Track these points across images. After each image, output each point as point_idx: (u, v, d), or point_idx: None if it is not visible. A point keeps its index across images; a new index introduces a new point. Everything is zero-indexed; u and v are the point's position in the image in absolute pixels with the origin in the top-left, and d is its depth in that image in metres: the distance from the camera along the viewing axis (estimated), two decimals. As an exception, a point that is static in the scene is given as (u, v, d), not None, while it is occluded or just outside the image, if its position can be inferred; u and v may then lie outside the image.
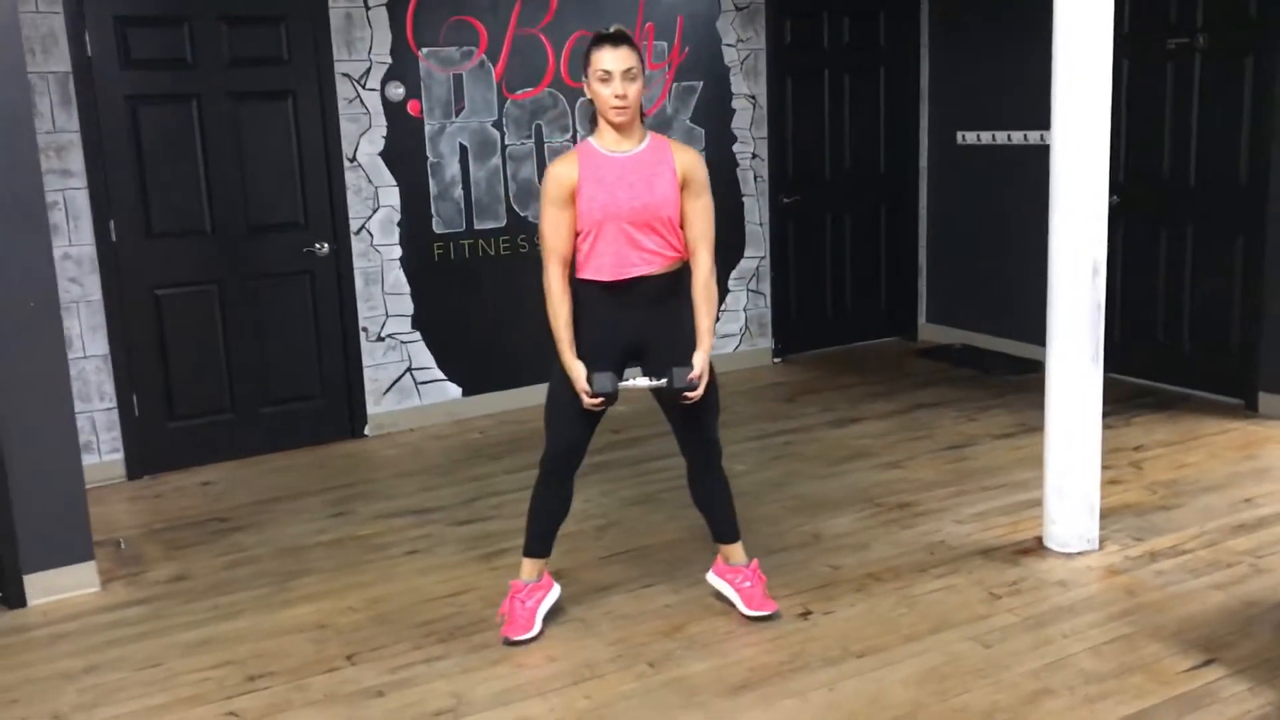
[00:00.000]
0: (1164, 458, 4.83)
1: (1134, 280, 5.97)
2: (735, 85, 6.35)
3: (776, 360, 6.75)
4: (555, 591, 3.53)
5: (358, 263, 5.51)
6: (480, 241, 5.79)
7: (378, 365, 5.64)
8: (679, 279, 3.30)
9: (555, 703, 3.06)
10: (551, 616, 3.51)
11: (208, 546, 4.32)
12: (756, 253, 6.58)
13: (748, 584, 3.52)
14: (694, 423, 3.40)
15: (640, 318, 3.27)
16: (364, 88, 5.40)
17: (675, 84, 6.17)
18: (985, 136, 6.61)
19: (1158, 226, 5.83)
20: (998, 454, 4.99)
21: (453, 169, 5.66)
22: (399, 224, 5.58)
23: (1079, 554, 3.87)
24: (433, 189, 5.64)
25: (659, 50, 6.09)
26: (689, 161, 3.26)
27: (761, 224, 6.57)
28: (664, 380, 3.23)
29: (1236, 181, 5.42)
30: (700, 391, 3.25)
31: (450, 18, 5.53)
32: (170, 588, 3.95)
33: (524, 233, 5.88)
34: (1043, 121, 6.21)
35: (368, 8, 5.34)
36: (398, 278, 5.62)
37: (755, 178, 6.50)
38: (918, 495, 4.51)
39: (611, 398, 3.23)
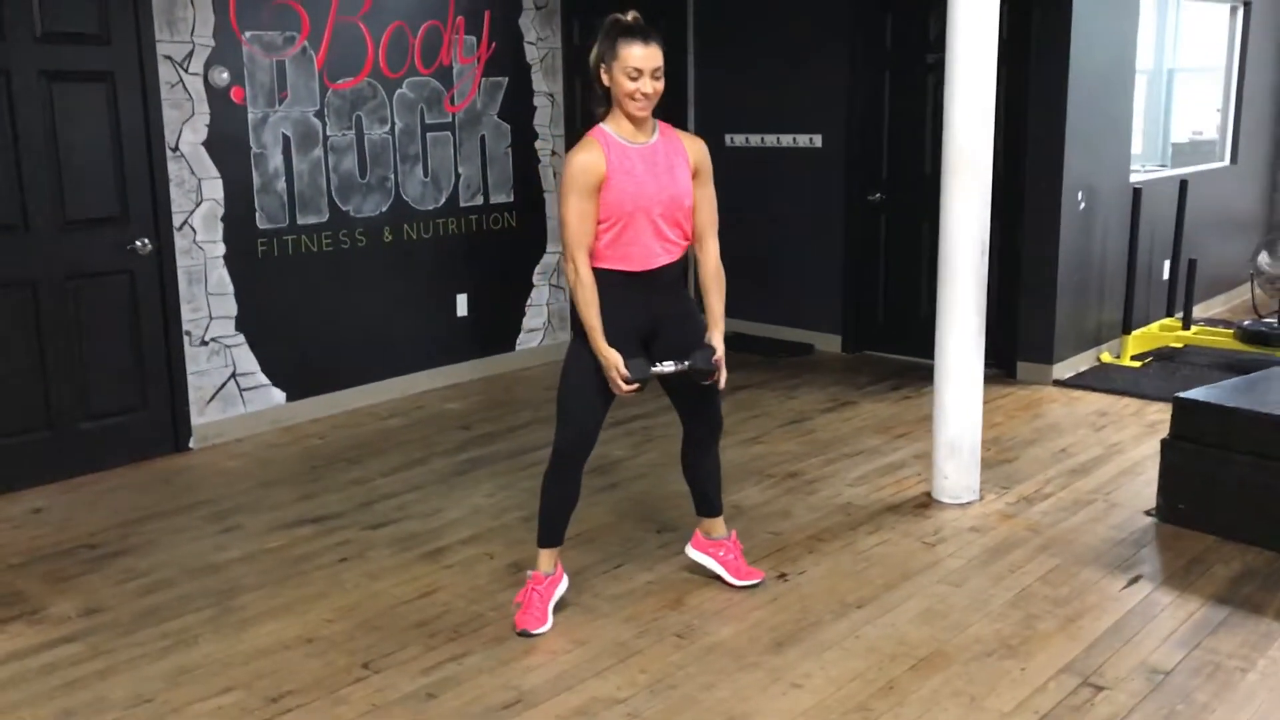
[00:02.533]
0: (991, 417, 5.51)
1: (900, 269, 6.72)
2: (536, 82, 6.45)
3: (574, 353, 6.91)
4: (565, 582, 3.54)
5: (181, 261, 5.08)
6: (303, 237, 5.52)
7: (201, 372, 5.22)
8: (685, 264, 3.44)
9: (617, 680, 3.11)
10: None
11: (98, 575, 3.88)
12: (557, 248, 6.71)
13: (730, 556, 3.71)
14: (707, 400, 3.53)
15: (656, 303, 3.36)
16: (186, 71, 4.99)
17: (484, 79, 6.17)
18: (754, 139, 7.13)
19: (919, 220, 6.59)
20: (835, 426, 5.48)
21: (276, 160, 5.36)
22: (222, 219, 5.21)
23: (969, 504, 4.40)
24: (256, 181, 5.30)
25: (469, 45, 6.07)
26: (699, 151, 3.40)
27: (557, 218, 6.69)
28: (688, 363, 3.35)
29: (995, 177, 6.25)
30: (723, 372, 3.40)
31: (273, 0, 5.23)
32: (90, 622, 3.53)
33: (346, 228, 5.67)
34: (802, 125, 6.90)
35: (188, -15, 4.95)
36: (221, 277, 5.24)
37: (555, 174, 6.62)
38: (797, 466, 4.88)
39: (645, 383, 3.31)
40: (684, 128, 7.30)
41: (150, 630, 3.46)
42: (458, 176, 6.14)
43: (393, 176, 5.84)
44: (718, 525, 3.73)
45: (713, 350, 3.38)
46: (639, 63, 3.18)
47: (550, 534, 3.49)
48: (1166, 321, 6.88)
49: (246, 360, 5.38)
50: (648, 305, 3.35)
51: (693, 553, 3.77)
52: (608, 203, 3.23)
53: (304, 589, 3.74)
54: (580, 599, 3.61)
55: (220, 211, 5.19)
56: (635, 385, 3.29)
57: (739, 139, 7.18)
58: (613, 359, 3.26)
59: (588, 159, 3.22)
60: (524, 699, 3.03)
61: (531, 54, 6.40)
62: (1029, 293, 6.17)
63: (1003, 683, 3.07)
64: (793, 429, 5.42)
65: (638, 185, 3.24)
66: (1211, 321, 7.53)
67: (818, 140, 6.85)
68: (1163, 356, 6.65)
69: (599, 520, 4.26)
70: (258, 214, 5.33)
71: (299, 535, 4.21)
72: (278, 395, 5.53)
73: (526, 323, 6.63)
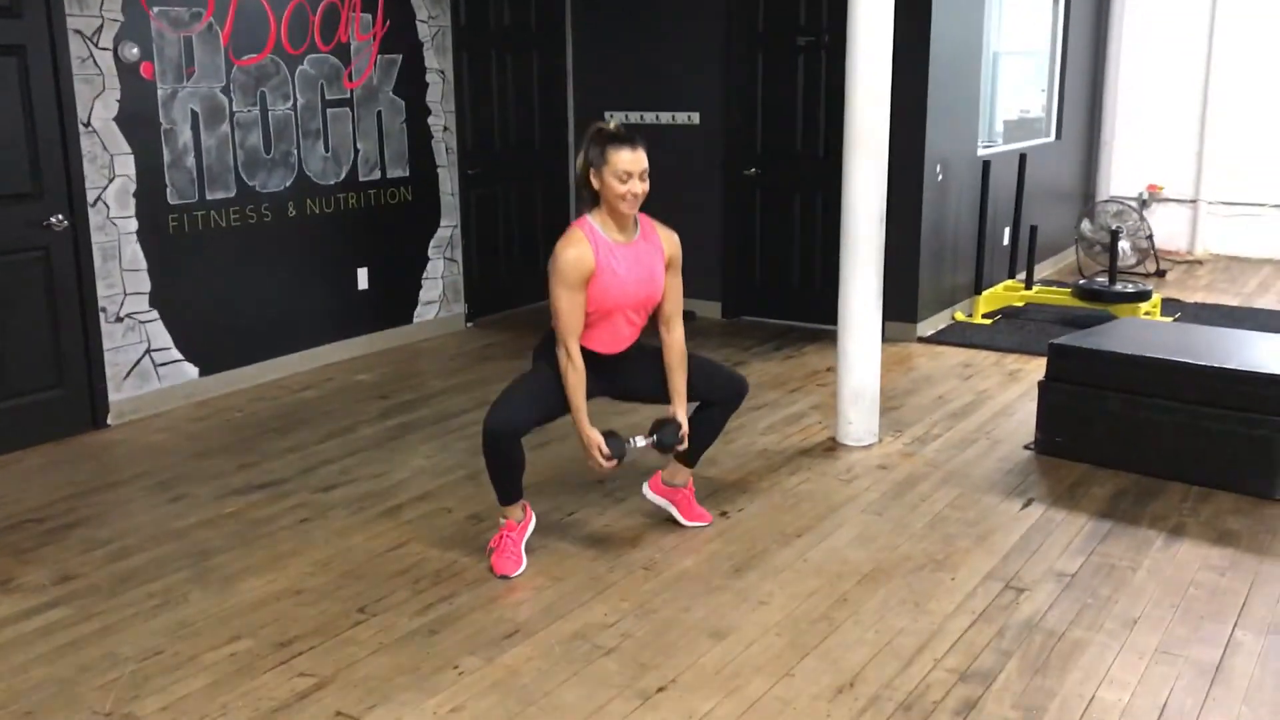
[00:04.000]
0: (854, 375, 6.01)
1: (775, 239, 7.18)
2: (428, 60, 6.60)
3: (469, 324, 7.11)
4: (534, 522, 3.80)
5: (95, 237, 5.07)
6: (212, 213, 5.55)
7: (117, 349, 5.22)
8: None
9: (602, 608, 3.42)
10: (522, 548, 3.79)
11: (57, 547, 3.92)
12: (450, 222, 6.89)
13: (684, 499, 4.06)
14: (719, 378, 3.94)
15: (618, 369, 3.75)
16: (97, 46, 4.97)
17: (380, 56, 6.29)
18: (634, 116, 7.45)
19: (792, 193, 7.06)
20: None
21: (185, 136, 5.37)
22: (135, 195, 5.20)
23: (871, 446, 4.87)
24: (166, 157, 5.31)
25: (364, 22, 6.18)
26: (674, 246, 3.75)
27: (453, 194, 6.88)
28: (655, 438, 3.72)
29: (862, 154, 6.77)
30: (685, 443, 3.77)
31: (179, -24, 5.25)
32: (70, 588, 3.60)
33: (253, 203, 5.72)
34: (680, 103, 7.27)
35: (96, -41, 4.92)
36: (135, 253, 5.24)
37: (446, 150, 6.79)
38: (709, 419, 5.25)
39: (622, 460, 3.65)
40: (564, 107, 7.59)
41: (135, 592, 3.56)
42: (356, 152, 6.25)
43: (296, 152, 5.91)
44: (682, 473, 4.06)
45: (678, 425, 3.74)
46: (629, 166, 3.48)
47: (508, 494, 3.72)
48: (1009, 283, 7.58)
49: (161, 336, 5.39)
50: (611, 373, 3.73)
51: (650, 494, 4.08)
52: (592, 297, 3.55)
53: (276, 548, 3.89)
54: (546, 543, 3.88)
55: (132, 188, 5.19)
56: (614, 462, 3.60)
57: (619, 115, 7.48)
58: (594, 439, 3.57)
59: (578, 254, 3.51)
60: (521, 629, 3.30)
61: (423, 32, 6.54)
62: (895, 258, 6.71)
63: (939, 590, 3.52)
64: (696, 387, 5.78)
65: (620, 286, 3.57)
66: (1046, 282, 8.29)
67: (695, 118, 7.22)
68: (1009, 314, 7.32)
69: (542, 476, 4.53)
70: (168, 190, 5.34)
71: (252, 501, 4.33)
72: (191, 370, 5.56)
73: (423, 295, 6.79)
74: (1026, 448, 4.81)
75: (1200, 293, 8.09)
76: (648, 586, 3.57)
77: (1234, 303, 7.75)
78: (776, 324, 7.13)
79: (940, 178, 6.75)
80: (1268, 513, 4.07)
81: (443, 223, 6.84)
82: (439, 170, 6.78)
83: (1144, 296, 6.96)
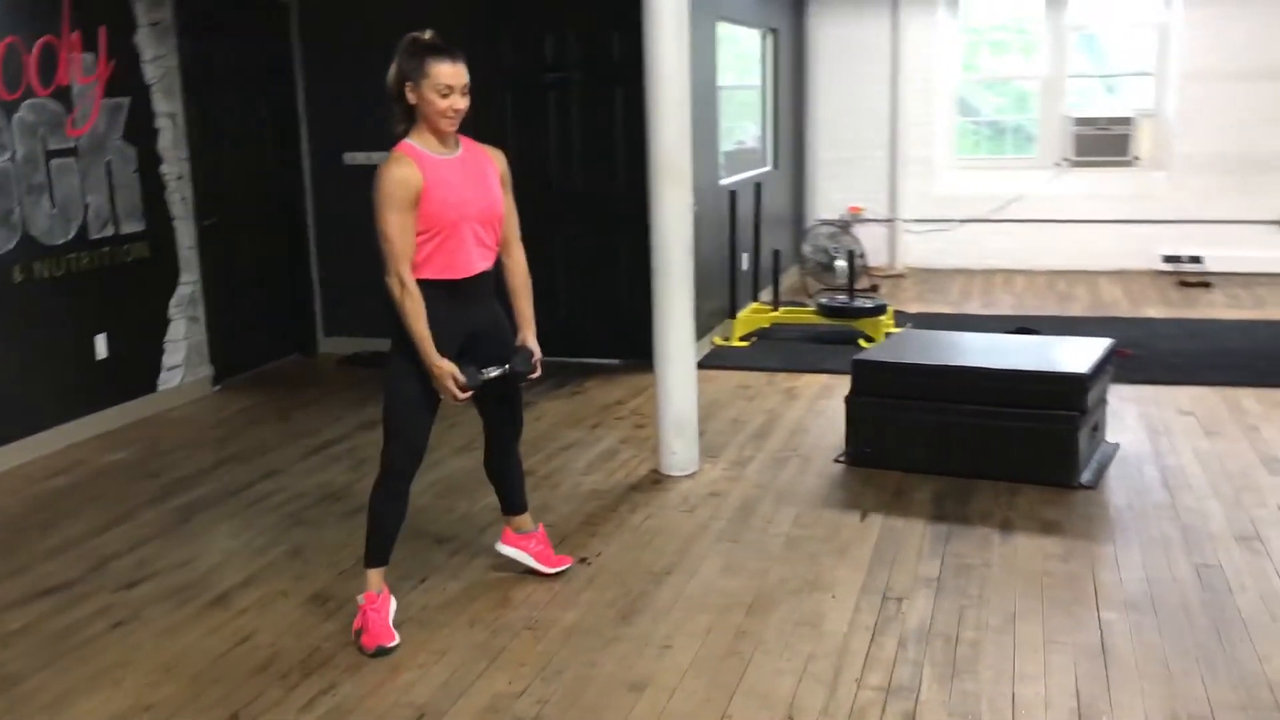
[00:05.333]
0: (642, 405, 6.03)
1: (536, 276, 7.05)
2: (156, 103, 6.03)
3: (216, 388, 6.54)
4: (393, 600, 3.51)
5: None
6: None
7: None
8: (496, 273, 3.57)
9: (504, 677, 3.21)
10: (389, 623, 3.50)
11: None
12: (190, 278, 6.31)
13: (540, 547, 3.89)
14: (512, 402, 3.68)
15: (474, 313, 3.48)
16: None
17: (105, 100, 5.68)
18: (378, 157, 7.12)
19: (551, 230, 6.99)
20: (530, 426, 5.65)
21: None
22: None
23: (694, 474, 4.88)
24: None
25: (86, 63, 5.57)
26: (503, 162, 3.55)
27: (191, 247, 6.31)
28: (508, 367, 3.49)
29: (620, 187, 6.82)
30: (539, 372, 3.57)
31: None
32: None
33: (-27, 270, 5.00)
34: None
35: None
36: None
37: (181, 200, 6.22)
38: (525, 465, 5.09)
39: (478, 390, 3.40)
40: (296, 148, 7.19)
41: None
42: (86, 207, 5.60)
43: (18, 210, 5.22)
44: (525, 520, 3.90)
45: (530, 352, 3.56)
46: (450, 79, 3.28)
47: (380, 553, 3.49)
48: (755, 305, 7.88)
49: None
50: (467, 315, 3.44)
51: (504, 549, 3.89)
52: (427, 214, 3.29)
53: (97, 661, 3.39)
54: (408, 615, 3.60)
55: None
56: (469, 393, 3.38)
57: (360, 156, 7.16)
58: (447, 368, 3.33)
59: (404, 173, 3.26)
60: (427, 712, 3.04)
61: (150, 73, 5.98)
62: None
63: (826, 609, 3.56)
64: (492, 433, 5.60)
65: (457, 195, 3.34)
66: (782, 302, 8.68)
67: (445, 157, 7.02)
68: (761, 335, 7.61)
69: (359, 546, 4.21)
70: (-128, 259, 4.57)
71: (41, 611, 3.75)
72: (-90, 467, 4.77)
73: (166, 360, 6.17)
74: (837, 460, 4.99)
75: (913, 303, 8.73)
76: (541, 647, 3.39)
77: (948, 310, 8.43)
78: (551, 361, 7.00)
79: (696, 208, 6.90)
80: (1075, 499, 4.43)
81: (182, 280, 6.27)
82: (175, 223, 6.20)
83: (882, 310, 7.43)
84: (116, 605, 3.77)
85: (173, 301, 6.21)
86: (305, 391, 6.51)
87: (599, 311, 7.00)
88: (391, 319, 3.37)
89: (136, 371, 5.98)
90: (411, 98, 3.30)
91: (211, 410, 6.18)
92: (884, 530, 4.20)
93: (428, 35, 3.34)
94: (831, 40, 10.07)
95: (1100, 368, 4.72)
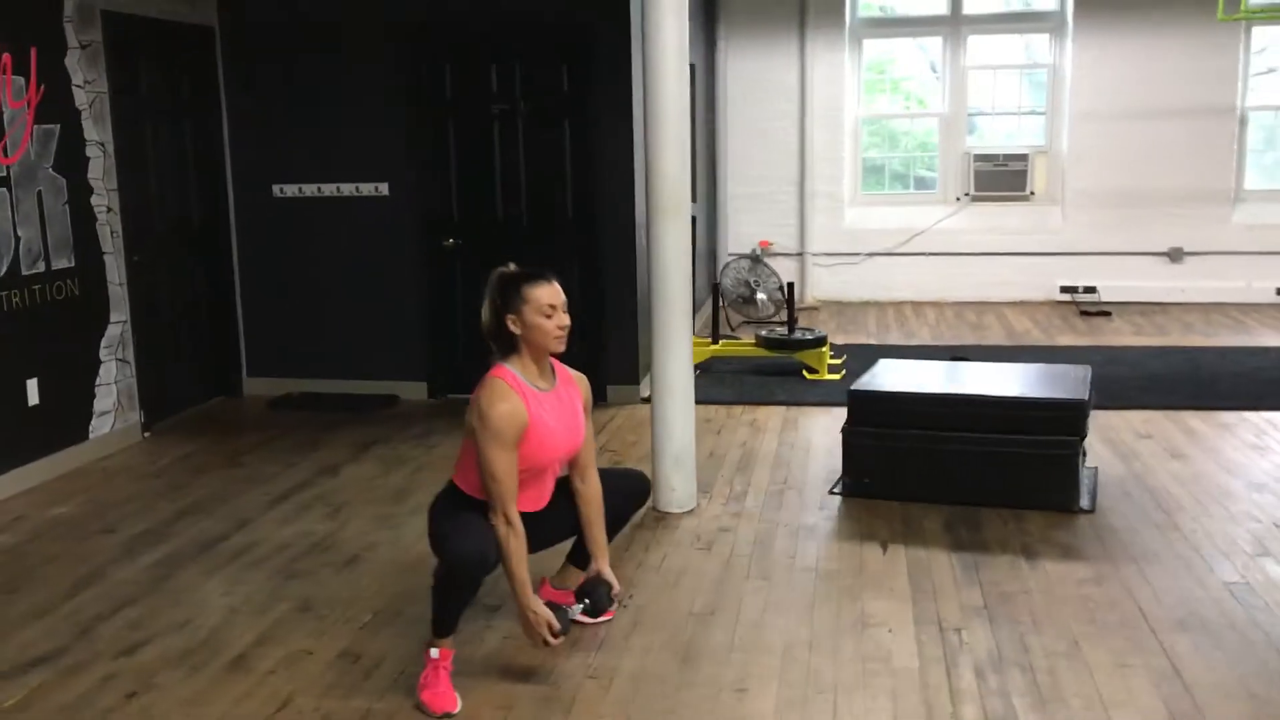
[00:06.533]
0: (610, 441, 5.90)
1: (477, 312, 6.86)
2: (87, 131, 5.63)
3: (146, 434, 6.10)
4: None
5: None
6: None
7: None
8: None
9: (587, 730, 3.04)
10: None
11: None
12: (120, 317, 5.89)
13: (587, 600, 3.70)
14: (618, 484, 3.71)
15: (540, 525, 3.42)
16: None
17: (36, 126, 5.27)
18: (309, 189, 6.84)
19: (496, 264, 6.80)
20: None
21: None
22: None
23: (694, 510, 4.78)
24: None
25: (17, 86, 5.15)
26: (586, 388, 3.53)
27: (121, 284, 5.90)
28: (586, 602, 3.47)
29: (567, 219, 6.70)
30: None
31: None
32: None
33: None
34: (365, 174, 6.81)
35: None
36: None
37: (111, 233, 5.82)
38: (511, 506, 4.89)
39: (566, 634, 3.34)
40: (223, 181, 6.84)
41: None
42: (18, 240, 5.17)
43: (-52, 243, 4.78)
44: (574, 575, 3.75)
45: (609, 585, 3.49)
46: (552, 299, 3.26)
47: (451, 625, 3.28)
48: (694, 339, 7.81)
49: None
50: (535, 529, 3.36)
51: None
52: (524, 455, 3.23)
53: (121, 740, 3.06)
54: (456, 669, 3.37)
55: None
56: (561, 639, 3.27)
57: (290, 189, 6.85)
58: (544, 615, 3.22)
59: (513, 410, 3.18)
60: (517, 772, 2.85)
61: (80, 98, 5.58)
62: (615, 321, 6.71)
63: (890, 644, 3.50)
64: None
65: (554, 438, 3.31)
66: (720, 336, 8.67)
67: (384, 188, 6.78)
68: (701, 368, 7.56)
69: (385, 603, 3.96)
70: None
71: (39, 681, 3.38)
72: None
73: (97, 405, 5.73)
74: (833, 492, 4.96)
75: (835, 335, 8.81)
76: (612, 696, 3.23)
77: (872, 341, 8.57)
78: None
79: (647, 243, 6.84)
80: (1080, 523, 4.50)
81: (112, 318, 5.84)
82: (105, 257, 5.79)
83: (822, 342, 7.48)
84: (122, 673, 3.43)
85: (103, 342, 5.78)
86: (244, 436, 6.13)
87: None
88: (444, 508, 3.35)
89: (68, 418, 5.53)
90: (515, 328, 3.25)
91: (146, 458, 5.76)
92: (911, 561, 4.17)
93: (513, 267, 3.32)
94: (742, 77, 10.20)
95: (1090, 394, 4.83)
